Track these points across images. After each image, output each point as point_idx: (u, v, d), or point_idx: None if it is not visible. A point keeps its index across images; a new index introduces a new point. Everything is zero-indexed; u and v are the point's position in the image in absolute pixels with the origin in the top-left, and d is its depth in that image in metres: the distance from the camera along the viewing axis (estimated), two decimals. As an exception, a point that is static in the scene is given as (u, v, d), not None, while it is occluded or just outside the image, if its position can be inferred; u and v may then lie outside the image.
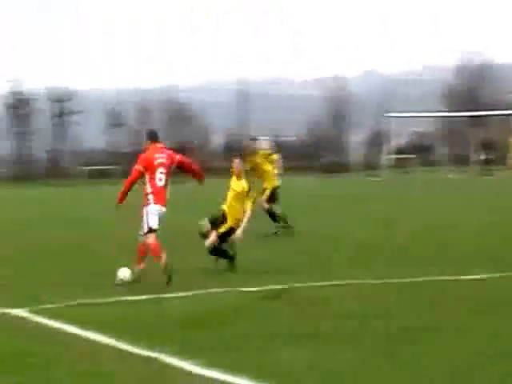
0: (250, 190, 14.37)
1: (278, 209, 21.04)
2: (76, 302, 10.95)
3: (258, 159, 21.34)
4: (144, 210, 12.68)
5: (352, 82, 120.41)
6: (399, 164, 78.23)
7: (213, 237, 13.99)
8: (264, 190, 21.19)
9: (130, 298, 11.26)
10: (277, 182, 21.38)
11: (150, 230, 12.62)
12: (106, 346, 8.40)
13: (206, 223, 14.14)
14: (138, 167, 12.72)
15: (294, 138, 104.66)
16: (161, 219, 12.75)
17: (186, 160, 13.49)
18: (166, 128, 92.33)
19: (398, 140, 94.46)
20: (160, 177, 12.61)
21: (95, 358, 7.94)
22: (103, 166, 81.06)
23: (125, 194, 12.81)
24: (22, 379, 7.28)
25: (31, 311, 10.41)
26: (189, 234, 20.35)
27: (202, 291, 11.57)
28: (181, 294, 11.42)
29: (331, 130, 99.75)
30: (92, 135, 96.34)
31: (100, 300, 11.15)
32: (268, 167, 21.30)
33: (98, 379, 7.23)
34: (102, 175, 78.80)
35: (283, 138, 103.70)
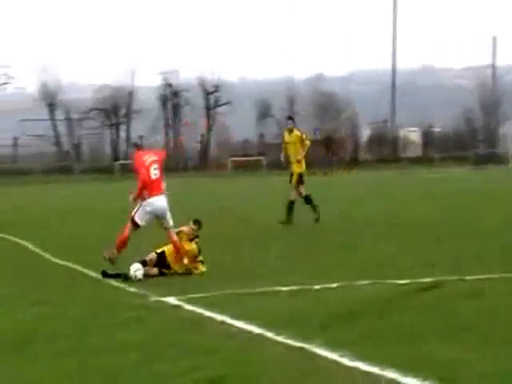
0: (199, 252, 13.34)
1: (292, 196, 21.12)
2: (226, 292, 11.15)
3: (290, 139, 21.41)
4: (140, 203, 13.60)
5: (504, 71, 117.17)
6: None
7: (152, 271, 13.06)
8: (292, 174, 21.20)
9: (277, 288, 11.33)
10: (303, 168, 21.35)
11: (134, 223, 13.47)
12: (255, 336, 8.50)
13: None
14: (142, 171, 13.67)
15: (441, 129, 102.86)
16: (158, 211, 13.56)
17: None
18: (313, 119, 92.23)
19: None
20: (155, 172, 13.72)
21: (245, 347, 8.05)
22: (250, 157, 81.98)
23: (140, 194, 13.67)
24: (177, 366, 7.49)
25: (184, 300, 10.66)
26: (323, 229, 20.30)
27: (347, 283, 11.53)
28: (326, 285, 11.41)
29: (483, 121, 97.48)
30: (241, 126, 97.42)
31: (249, 290, 11.29)
32: (299, 150, 21.21)
33: (249, 367, 7.33)
34: (247, 166, 79.65)
35: (433, 129, 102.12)
